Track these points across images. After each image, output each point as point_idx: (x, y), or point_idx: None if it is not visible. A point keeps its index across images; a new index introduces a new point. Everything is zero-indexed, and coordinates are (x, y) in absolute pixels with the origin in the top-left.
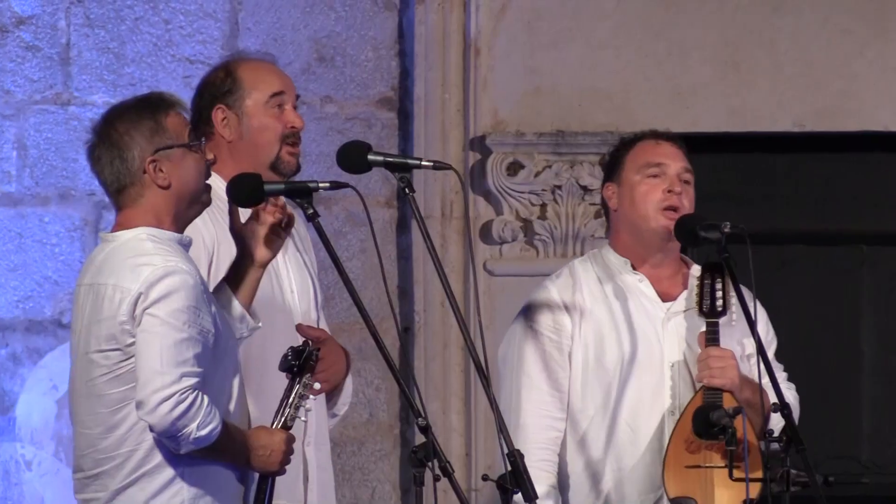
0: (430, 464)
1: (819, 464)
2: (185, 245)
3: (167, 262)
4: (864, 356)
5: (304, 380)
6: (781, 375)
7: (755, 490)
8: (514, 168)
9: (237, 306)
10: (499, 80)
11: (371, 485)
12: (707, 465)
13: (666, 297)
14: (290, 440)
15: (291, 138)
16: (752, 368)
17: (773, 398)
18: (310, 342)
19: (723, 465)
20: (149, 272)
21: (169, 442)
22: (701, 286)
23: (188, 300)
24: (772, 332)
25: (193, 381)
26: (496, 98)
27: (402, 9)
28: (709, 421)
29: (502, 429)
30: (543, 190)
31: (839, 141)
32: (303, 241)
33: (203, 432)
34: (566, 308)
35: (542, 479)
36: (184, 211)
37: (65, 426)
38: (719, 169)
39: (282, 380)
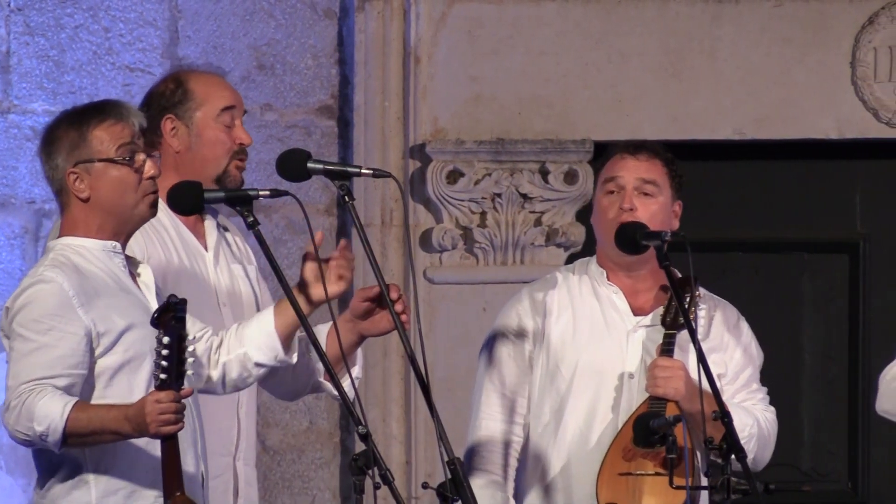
0: (370, 472)
1: (759, 471)
2: (112, 252)
3: (41, 274)
4: (805, 364)
5: (158, 335)
6: (758, 396)
7: (681, 498)
8: (453, 176)
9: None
10: (439, 88)
11: (311, 493)
12: (637, 472)
13: (639, 310)
14: (158, 399)
15: (240, 154)
16: (723, 389)
17: (738, 414)
18: (175, 296)
19: (653, 472)
20: (23, 284)
21: (37, 448)
22: (669, 299)
23: (45, 308)
24: (754, 350)
25: (31, 385)
26: (436, 106)
27: (342, 17)
28: (649, 428)
29: (442, 437)
30: (483, 198)
31: (779, 148)
32: (241, 252)
33: (42, 427)
34: (534, 314)
35: (486, 475)
36: (112, 222)
37: (5, 435)
38: None
39: (218, 399)
